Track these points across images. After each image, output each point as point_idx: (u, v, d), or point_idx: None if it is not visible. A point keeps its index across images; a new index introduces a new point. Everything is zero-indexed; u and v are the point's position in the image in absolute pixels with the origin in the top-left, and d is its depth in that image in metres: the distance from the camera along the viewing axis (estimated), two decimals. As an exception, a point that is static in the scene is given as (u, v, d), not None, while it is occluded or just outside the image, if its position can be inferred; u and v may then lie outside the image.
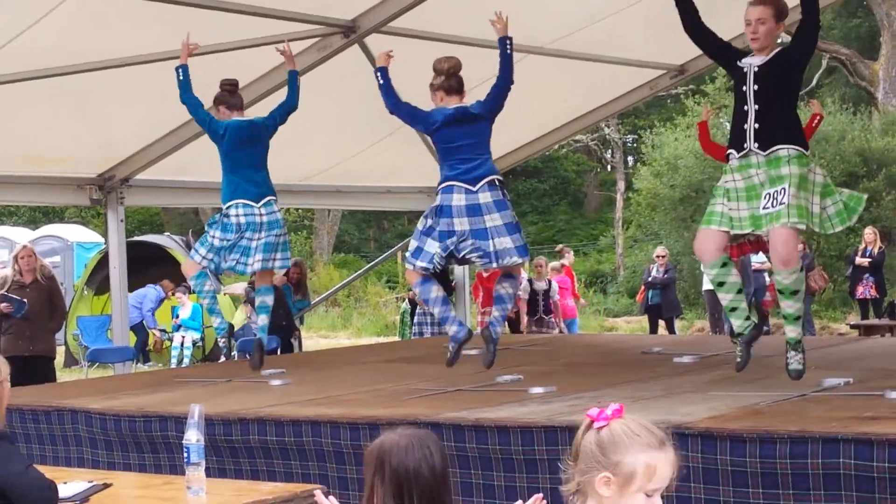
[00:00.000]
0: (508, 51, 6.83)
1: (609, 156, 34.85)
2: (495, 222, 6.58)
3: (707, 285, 16.11)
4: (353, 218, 35.35)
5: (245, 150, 7.63)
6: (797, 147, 5.79)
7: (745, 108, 5.85)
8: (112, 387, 7.92)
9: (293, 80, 7.92)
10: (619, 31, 9.95)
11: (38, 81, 8.47)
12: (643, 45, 10.69)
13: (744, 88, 5.86)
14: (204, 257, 7.64)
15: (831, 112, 24.00)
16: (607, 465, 2.57)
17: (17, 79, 8.36)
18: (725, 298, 6.05)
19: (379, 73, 6.88)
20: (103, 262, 15.94)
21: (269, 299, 7.93)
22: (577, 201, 37.61)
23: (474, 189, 6.61)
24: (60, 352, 15.13)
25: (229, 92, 7.75)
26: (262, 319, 7.95)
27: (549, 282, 14.34)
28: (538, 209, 36.44)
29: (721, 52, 6.13)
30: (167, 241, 19.16)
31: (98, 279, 17.56)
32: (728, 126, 6.33)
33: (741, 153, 5.83)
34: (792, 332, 5.92)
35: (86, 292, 18.11)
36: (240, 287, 14.69)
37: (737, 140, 5.87)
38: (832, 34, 30.44)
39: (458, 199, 6.59)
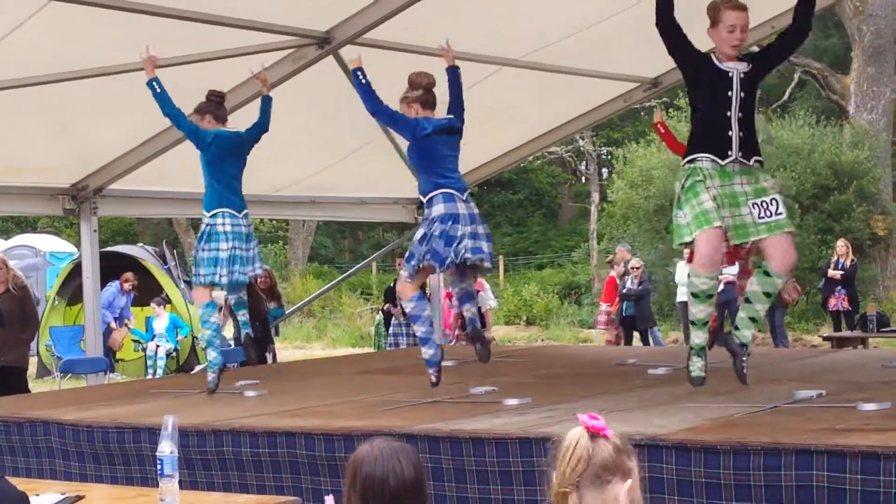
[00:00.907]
0: (459, 80, 7.01)
1: (584, 167, 34.96)
2: (479, 231, 6.70)
3: (682, 297, 16.15)
4: (328, 229, 35.31)
5: (231, 160, 7.70)
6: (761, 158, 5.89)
7: (728, 114, 5.76)
8: (85, 398, 7.88)
9: (266, 105, 7.96)
10: (593, 44, 9.99)
11: (12, 91, 8.43)
12: (617, 58, 10.74)
13: (729, 94, 5.76)
14: (219, 274, 7.57)
15: (802, 126, 24.17)
16: (626, 471, 2.57)
17: (-10, 88, 8.32)
18: (705, 311, 5.87)
19: (359, 73, 6.88)
20: (75, 271, 15.87)
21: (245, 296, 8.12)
22: (552, 213, 37.70)
23: (464, 198, 6.71)
24: (33, 362, 15.05)
25: (217, 103, 7.80)
26: (243, 315, 8.10)
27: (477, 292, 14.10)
28: (512, 221, 36.52)
29: (693, 53, 5.89)
30: (140, 251, 19.08)
31: (70, 289, 17.46)
32: (688, 128, 6.14)
33: (725, 160, 5.76)
34: (749, 334, 5.92)
35: (57, 302, 18.00)
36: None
37: (717, 147, 5.76)
38: (804, 48, 30.66)
39: (462, 208, 6.67)
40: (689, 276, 5.90)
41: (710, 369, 6.02)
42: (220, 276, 7.55)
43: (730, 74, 5.78)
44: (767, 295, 5.84)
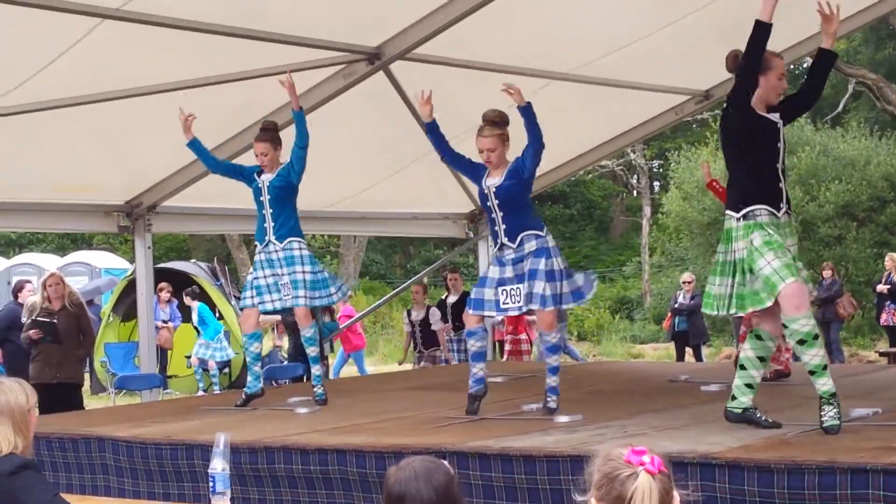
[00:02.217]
0: (532, 118, 6.72)
1: (635, 181, 34.82)
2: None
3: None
4: (380, 244, 35.42)
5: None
6: None
7: (777, 165, 5.69)
8: (138, 414, 7.93)
9: (298, 120, 7.75)
10: (643, 57, 9.95)
11: (66, 110, 8.53)
12: (668, 71, 10.69)
13: (778, 145, 5.71)
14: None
15: (856, 136, 23.93)
16: (673, 496, 2.66)
17: (45, 107, 8.43)
18: (819, 354, 5.48)
19: (426, 128, 6.96)
20: (130, 288, 16.00)
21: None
22: (603, 227, 37.59)
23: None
24: (87, 378, 15.19)
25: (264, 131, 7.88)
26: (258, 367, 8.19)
27: (428, 308, 12.87)
28: (564, 234, 36.43)
29: (750, 103, 5.69)
30: (193, 267, 19.21)
31: (125, 305, 17.61)
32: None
33: (781, 213, 5.66)
34: (825, 385, 5.48)
35: (112, 319, 18.17)
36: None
37: (772, 198, 5.63)
38: (859, 59, 30.37)
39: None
40: (786, 326, 5.47)
41: (762, 386, 5.94)
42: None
43: (777, 126, 5.72)
44: (762, 360, 5.72)
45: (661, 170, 35.42)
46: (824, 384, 5.45)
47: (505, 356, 13.22)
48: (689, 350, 17.52)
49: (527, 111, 6.67)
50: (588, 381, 9.10)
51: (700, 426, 5.87)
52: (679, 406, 6.93)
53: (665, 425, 5.97)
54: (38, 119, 8.57)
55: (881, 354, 16.55)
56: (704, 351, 17.87)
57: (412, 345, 12.87)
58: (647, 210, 30.90)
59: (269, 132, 7.84)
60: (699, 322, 17.48)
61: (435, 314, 12.44)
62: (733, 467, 4.70)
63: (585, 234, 36.61)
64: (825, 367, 5.49)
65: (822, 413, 5.44)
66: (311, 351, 7.97)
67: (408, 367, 12.83)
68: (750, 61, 5.59)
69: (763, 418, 5.60)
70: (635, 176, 34.24)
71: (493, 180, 6.71)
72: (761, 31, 5.52)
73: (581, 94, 10.65)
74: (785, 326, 5.49)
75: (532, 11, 8.77)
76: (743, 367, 5.68)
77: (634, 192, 36.92)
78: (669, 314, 17.93)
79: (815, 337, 5.47)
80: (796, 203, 21.01)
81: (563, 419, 6.26)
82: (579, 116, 11.35)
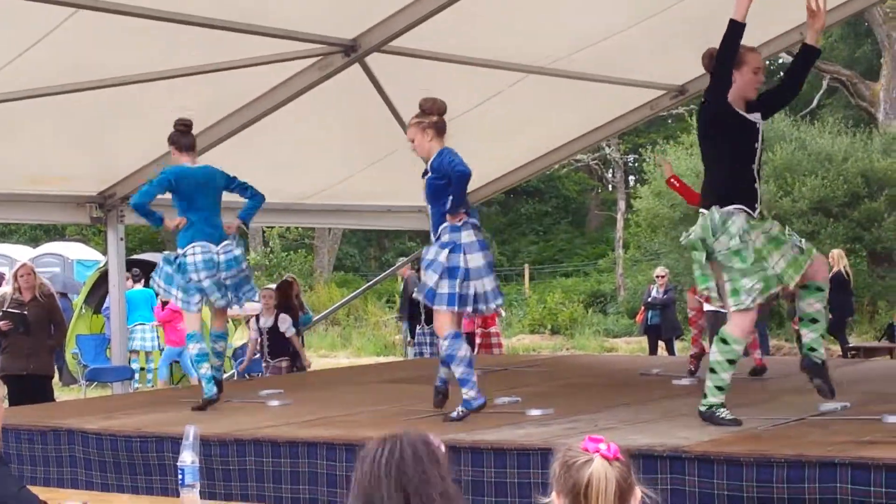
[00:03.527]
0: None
1: (610, 175, 34.89)
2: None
3: (709, 306, 16.02)
4: (354, 236, 35.37)
5: (202, 193, 7.74)
6: None
7: (753, 166, 5.72)
8: (109, 406, 7.90)
9: (254, 205, 7.93)
10: (619, 52, 9.96)
11: (39, 100, 8.47)
12: (643, 66, 10.70)
13: (756, 146, 5.73)
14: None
15: (832, 133, 24.04)
16: (632, 483, 2.64)
17: (17, 97, 8.36)
18: (730, 376, 5.69)
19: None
20: (102, 279, 15.91)
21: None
22: (579, 221, 37.65)
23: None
24: (58, 370, 15.09)
25: (181, 132, 7.77)
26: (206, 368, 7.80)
27: (278, 314, 11.28)
28: (538, 229, 36.47)
29: (727, 102, 5.68)
30: (166, 259, 19.09)
31: (97, 297, 17.51)
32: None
33: (756, 213, 5.70)
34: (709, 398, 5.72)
35: (84, 311, 18.07)
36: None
37: (748, 198, 5.68)
38: (835, 55, 30.52)
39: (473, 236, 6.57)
40: (724, 341, 5.60)
41: (733, 382, 5.95)
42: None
43: (757, 126, 5.74)
44: (731, 362, 5.71)
45: (636, 164, 35.52)
46: (720, 399, 5.63)
47: (475, 349, 13.23)
48: (661, 344, 17.58)
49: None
50: (560, 375, 9.12)
51: (671, 420, 5.89)
52: (650, 400, 6.96)
53: (636, 419, 5.99)
54: (11, 109, 8.50)
55: (851, 349, 16.62)
56: (677, 345, 17.93)
57: (259, 353, 11.44)
58: (622, 204, 30.98)
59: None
60: (672, 316, 17.54)
61: (285, 321, 11.11)
62: (703, 461, 4.72)
63: (560, 227, 36.65)
64: (720, 389, 5.62)
65: (722, 413, 5.60)
66: (220, 346, 8.03)
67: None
68: (723, 60, 5.60)
69: (723, 416, 5.60)
70: (610, 170, 34.29)
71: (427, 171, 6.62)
72: (734, 30, 5.53)
73: (557, 88, 10.65)
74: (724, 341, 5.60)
75: (508, 5, 8.77)
76: (713, 371, 5.70)
77: (609, 186, 37.01)
78: (642, 308, 17.99)
79: (732, 362, 5.62)
80: (770, 198, 21.09)
81: (534, 413, 6.27)
82: (555, 110, 11.36)
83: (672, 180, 8.98)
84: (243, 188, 7.89)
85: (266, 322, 11.24)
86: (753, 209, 5.68)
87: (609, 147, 30.72)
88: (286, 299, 11.64)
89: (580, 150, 16.13)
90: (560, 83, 10.54)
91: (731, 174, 5.71)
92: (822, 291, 5.82)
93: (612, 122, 12.31)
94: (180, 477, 4.24)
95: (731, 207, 5.61)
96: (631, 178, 36.08)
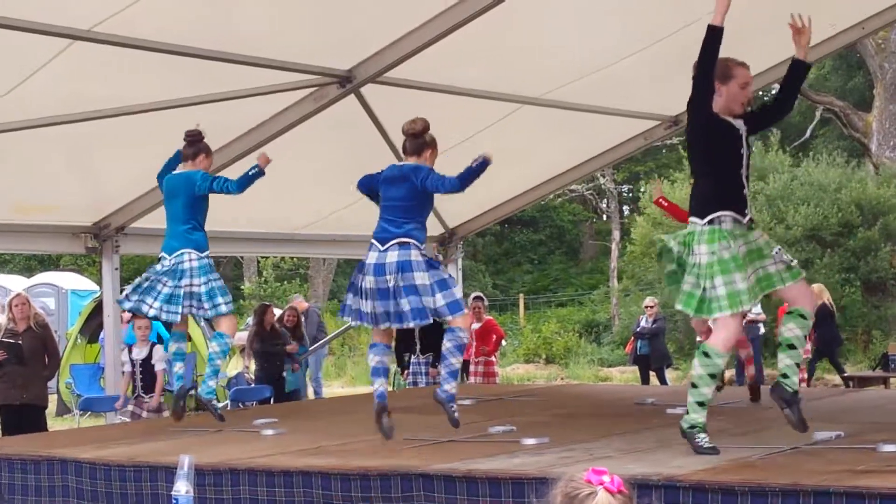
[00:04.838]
0: (475, 166, 6.60)
1: (604, 205, 34.96)
2: (400, 283, 6.49)
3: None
4: (349, 266, 35.36)
5: (174, 201, 7.88)
6: None
7: (741, 172, 5.75)
8: (103, 436, 7.88)
9: (255, 173, 7.84)
10: (613, 82, 10.02)
11: (34, 130, 8.51)
12: (637, 96, 10.77)
13: (742, 151, 5.76)
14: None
15: (828, 163, 24.14)
16: None
17: (13, 128, 8.40)
18: (712, 390, 5.70)
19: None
20: (97, 310, 15.89)
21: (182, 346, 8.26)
22: (573, 251, 37.70)
23: (383, 248, 6.58)
24: (53, 400, 15.07)
25: (187, 143, 7.94)
26: (179, 367, 8.15)
27: (152, 346, 10.39)
28: (533, 259, 36.49)
29: (711, 109, 5.73)
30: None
31: (91, 327, 17.49)
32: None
33: (745, 218, 5.72)
34: (797, 379, 5.82)
35: (79, 341, 18.05)
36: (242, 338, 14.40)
37: (735, 205, 5.69)
38: (828, 86, 30.67)
39: (371, 258, 6.60)
40: (706, 355, 5.63)
41: (728, 410, 5.97)
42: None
43: (740, 132, 5.78)
44: (799, 340, 5.82)
45: (630, 194, 35.59)
46: (703, 416, 5.62)
47: (472, 377, 13.21)
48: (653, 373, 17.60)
49: (482, 162, 6.61)
50: (555, 404, 9.11)
51: (666, 449, 5.89)
52: (645, 429, 6.95)
53: (631, 448, 5.99)
54: (6, 139, 8.54)
55: (845, 378, 16.64)
56: (670, 374, 17.94)
57: (131, 388, 10.31)
58: (617, 234, 31.04)
59: None
60: (661, 346, 17.58)
61: (158, 352, 10.20)
62: (698, 490, 4.71)
63: (555, 257, 36.69)
64: (702, 405, 5.62)
65: (700, 440, 5.59)
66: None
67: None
68: (703, 64, 5.65)
69: (702, 443, 5.59)
70: (605, 200, 34.38)
71: None
72: (712, 34, 5.59)
73: (550, 119, 10.71)
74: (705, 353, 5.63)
75: (503, 36, 8.82)
76: (694, 385, 5.70)
77: (604, 216, 37.07)
78: (632, 338, 18.02)
79: (713, 376, 5.63)
80: (763, 226, 21.13)
81: (529, 442, 6.27)
82: (549, 141, 11.41)
83: (661, 200, 9.10)
84: (230, 182, 7.83)
85: (140, 353, 10.21)
86: (743, 214, 5.71)
87: (604, 177, 30.80)
88: (298, 321, 12.53)
89: (574, 181, 16.18)
90: (553, 114, 10.60)
91: (717, 180, 5.75)
92: (804, 319, 5.80)
93: (605, 153, 12.37)
94: (175, 507, 4.23)
95: (718, 213, 5.65)
96: (625, 207, 36.15)
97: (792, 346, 5.81)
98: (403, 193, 6.66)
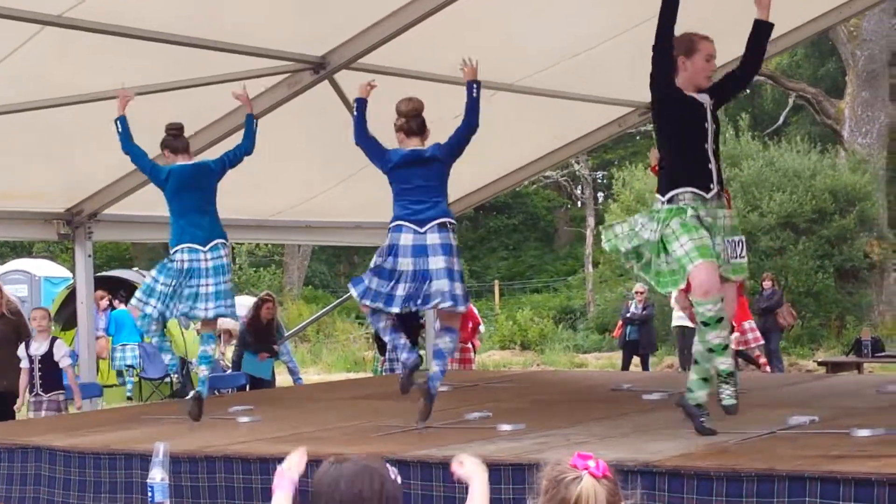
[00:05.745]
0: (475, 95, 6.76)
1: (579, 192, 35.02)
2: (438, 265, 6.48)
3: (677, 321, 16.14)
4: (324, 253, 35.31)
5: (189, 193, 7.51)
6: None
7: (706, 146, 5.73)
8: (76, 423, 7.84)
9: (250, 124, 7.80)
10: (587, 69, 10.01)
11: (6, 116, 8.44)
12: (611, 83, 10.76)
13: (705, 125, 5.74)
14: (148, 304, 7.45)
15: (800, 150, 24.23)
16: (619, 500, 2.69)
17: (-16, 113, 8.34)
18: (720, 335, 5.56)
19: (356, 104, 6.90)
20: (70, 297, 15.84)
21: (212, 348, 7.73)
22: (548, 237, 37.75)
23: (422, 230, 6.54)
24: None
25: (173, 136, 7.66)
26: (203, 370, 7.58)
27: (53, 340, 9.63)
28: (508, 245, 36.53)
29: (672, 84, 5.74)
30: (136, 276, 19.05)
31: (65, 315, 17.41)
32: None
33: (710, 194, 5.70)
34: (724, 363, 5.65)
35: (53, 327, 17.94)
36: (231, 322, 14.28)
37: (700, 179, 5.68)
38: (800, 73, 30.78)
39: (406, 239, 6.55)
40: (705, 325, 5.56)
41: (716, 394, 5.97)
42: (152, 306, 7.43)
43: (704, 106, 5.76)
44: (711, 351, 5.65)
45: (604, 180, 35.66)
46: (723, 363, 5.62)
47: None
48: (636, 359, 17.69)
49: (471, 86, 6.75)
50: (531, 390, 9.12)
51: (641, 434, 5.90)
52: (621, 415, 6.97)
53: (607, 434, 6.00)
54: (-23, 125, 8.47)
55: (820, 364, 16.75)
56: (651, 360, 18.06)
57: (29, 387, 9.53)
58: (591, 221, 31.09)
59: None
60: (650, 332, 17.69)
61: (60, 348, 9.49)
62: (673, 475, 4.73)
63: (530, 244, 36.74)
64: (725, 348, 5.61)
65: (721, 391, 5.65)
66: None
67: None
68: (659, 37, 5.66)
69: (702, 423, 5.62)
70: (579, 187, 34.42)
71: None
72: (666, 3, 5.62)
73: (525, 106, 10.70)
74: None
75: (477, 22, 8.80)
76: (696, 362, 5.72)
77: (579, 202, 37.13)
78: (620, 323, 18.07)
79: (719, 320, 5.54)
80: (737, 213, 21.20)
81: (505, 428, 6.27)
82: (523, 127, 11.40)
83: (655, 169, 9.09)
84: (240, 146, 7.74)
85: (38, 348, 9.48)
86: (707, 189, 5.68)
87: (578, 164, 30.83)
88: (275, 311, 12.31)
89: (549, 167, 16.19)
90: (528, 100, 10.59)
91: (681, 155, 5.74)
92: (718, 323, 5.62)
93: (580, 140, 12.38)
94: (149, 494, 4.23)
95: (677, 191, 5.64)
96: (600, 194, 36.21)
97: (696, 363, 5.75)
98: (434, 173, 6.68)
